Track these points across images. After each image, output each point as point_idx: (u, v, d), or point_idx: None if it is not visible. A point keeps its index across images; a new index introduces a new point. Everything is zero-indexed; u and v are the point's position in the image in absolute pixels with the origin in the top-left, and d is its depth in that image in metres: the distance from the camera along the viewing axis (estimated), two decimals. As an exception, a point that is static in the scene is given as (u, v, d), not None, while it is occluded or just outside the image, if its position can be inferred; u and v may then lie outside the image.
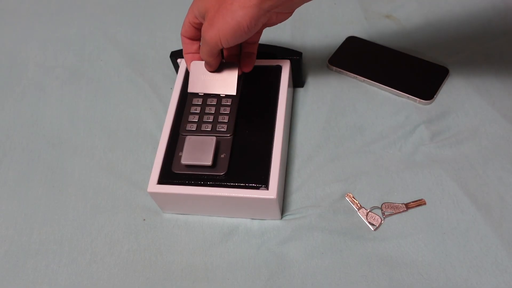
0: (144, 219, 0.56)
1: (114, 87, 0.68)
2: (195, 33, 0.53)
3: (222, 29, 0.46)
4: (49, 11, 0.79)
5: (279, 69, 0.59)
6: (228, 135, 0.53)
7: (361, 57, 0.66)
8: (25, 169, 0.61)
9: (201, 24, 0.51)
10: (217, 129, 0.54)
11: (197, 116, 0.55)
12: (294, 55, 0.60)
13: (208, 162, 0.50)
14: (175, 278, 0.51)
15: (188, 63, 0.56)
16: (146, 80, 0.69)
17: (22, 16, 0.78)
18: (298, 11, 0.74)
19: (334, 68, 0.66)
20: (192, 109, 0.56)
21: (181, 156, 0.51)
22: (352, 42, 0.69)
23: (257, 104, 0.56)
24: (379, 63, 0.66)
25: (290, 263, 0.51)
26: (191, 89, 0.56)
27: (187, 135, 0.53)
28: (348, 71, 0.65)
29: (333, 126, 0.61)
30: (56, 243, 0.54)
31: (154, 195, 0.52)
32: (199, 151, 0.51)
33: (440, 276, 0.49)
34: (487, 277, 0.48)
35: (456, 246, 0.50)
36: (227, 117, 0.54)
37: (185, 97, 0.57)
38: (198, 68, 0.56)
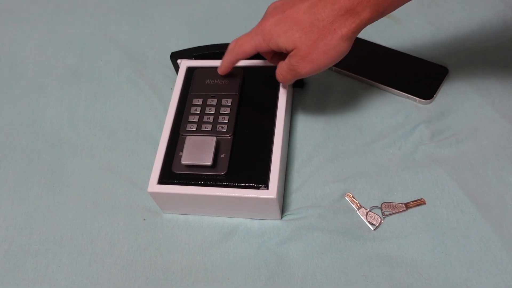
0: (144, 219, 0.56)
1: (114, 87, 0.68)
2: (253, 53, 0.52)
3: (323, 63, 0.48)
4: (49, 11, 0.79)
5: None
6: (228, 135, 0.53)
7: (360, 57, 0.66)
8: (25, 169, 0.61)
9: (271, 51, 0.51)
10: (217, 129, 0.54)
11: (197, 117, 0.55)
12: None
13: (208, 162, 0.50)
14: (175, 278, 0.51)
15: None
16: (146, 80, 0.69)
17: (22, 16, 0.78)
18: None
19: (334, 68, 0.66)
20: (193, 109, 0.56)
21: (181, 156, 0.52)
22: None
23: (257, 104, 0.56)
24: (378, 63, 0.66)
25: (290, 263, 0.51)
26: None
27: (187, 135, 0.53)
28: (348, 71, 0.65)
29: (332, 126, 0.61)
30: (56, 243, 0.54)
31: (154, 195, 0.52)
32: (199, 151, 0.51)
33: (440, 276, 0.49)
34: (487, 277, 0.48)
35: (456, 246, 0.50)
36: (227, 117, 0.54)
37: (185, 97, 0.57)
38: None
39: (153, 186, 0.51)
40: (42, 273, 0.52)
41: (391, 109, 0.62)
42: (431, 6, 0.72)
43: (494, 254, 0.49)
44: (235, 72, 0.57)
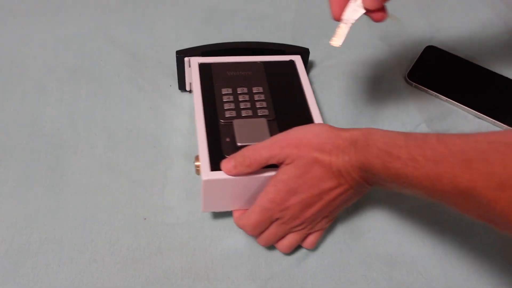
0: (145, 218, 0.56)
1: (114, 87, 0.68)
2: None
3: None
4: (49, 11, 0.79)
5: (293, 63, 0.60)
6: (271, 118, 0.53)
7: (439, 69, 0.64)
8: (25, 169, 0.61)
9: None
10: (259, 114, 0.53)
11: (232, 104, 0.54)
12: (301, 51, 0.62)
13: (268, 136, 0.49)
14: (175, 277, 0.51)
15: (340, 9, 0.47)
16: (146, 80, 0.69)
17: (22, 16, 0.78)
18: (298, 11, 0.74)
19: (414, 83, 0.63)
20: (225, 98, 0.55)
21: (228, 141, 0.50)
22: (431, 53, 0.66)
23: (285, 90, 0.56)
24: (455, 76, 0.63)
25: (290, 262, 0.51)
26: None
27: (232, 120, 0.52)
28: (426, 87, 0.63)
29: (332, 125, 0.61)
30: (56, 243, 0.54)
31: (209, 183, 0.47)
32: (253, 132, 0.50)
33: (440, 276, 0.49)
34: (487, 277, 0.48)
35: (456, 245, 0.50)
36: (265, 102, 0.54)
37: (209, 89, 0.56)
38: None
39: (208, 173, 0.47)
40: (42, 273, 0.52)
41: (392, 107, 0.62)
42: (431, 6, 0.72)
43: (494, 254, 0.49)
44: (255, 66, 0.58)
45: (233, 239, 0.53)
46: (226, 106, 0.54)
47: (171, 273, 0.51)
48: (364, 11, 0.45)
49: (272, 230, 0.48)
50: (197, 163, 0.49)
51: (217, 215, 0.55)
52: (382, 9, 0.45)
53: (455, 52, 0.65)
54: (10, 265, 0.53)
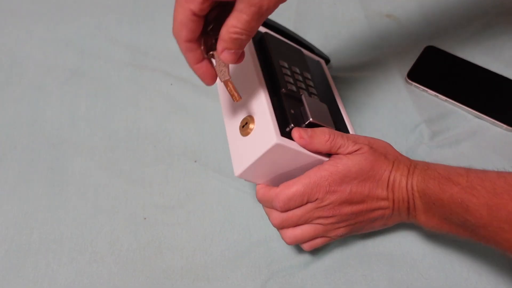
0: (145, 218, 0.56)
1: (114, 87, 0.68)
2: (198, 25, 0.40)
3: None
4: (49, 11, 0.79)
5: (320, 64, 0.59)
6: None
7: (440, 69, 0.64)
8: (25, 169, 0.61)
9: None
10: (311, 96, 0.50)
11: (291, 78, 0.50)
12: (324, 57, 0.61)
13: (332, 126, 0.47)
14: (175, 276, 0.51)
15: (213, 78, 0.44)
16: (146, 79, 0.69)
17: (22, 16, 0.78)
18: (298, 11, 0.74)
19: (414, 83, 0.63)
20: (284, 70, 0.50)
21: (293, 113, 0.46)
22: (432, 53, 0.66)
23: (320, 88, 0.53)
24: (456, 76, 0.63)
25: (290, 262, 0.51)
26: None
27: (294, 93, 0.48)
28: (425, 86, 0.63)
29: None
30: (56, 243, 0.54)
31: (277, 148, 0.43)
32: (321, 113, 0.47)
33: (440, 276, 0.49)
34: (487, 277, 0.48)
35: (456, 245, 0.50)
36: (314, 89, 0.51)
37: (263, 59, 0.51)
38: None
39: (279, 137, 0.43)
40: (42, 273, 0.52)
41: (391, 107, 0.62)
42: (431, 6, 0.72)
43: (494, 254, 0.49)
44: (298, 52, 0.55)
45: (233, 239, 0.53)
46: (286, 79, 0.49)
47: (171, 273, 0.51)
48: (229, 64, 0.42)
49: (299, 212, 0.46)
50: (251, 126, 0.46)
51: (217, 214, 0.55)
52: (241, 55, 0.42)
53: (455, 52, 0.65)
54: (10, 265, 0.53)
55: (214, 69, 0.43)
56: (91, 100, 0.67)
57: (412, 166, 0.45)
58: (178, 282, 0.51)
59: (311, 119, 0.45)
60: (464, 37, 0.68)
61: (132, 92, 0.68)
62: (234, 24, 0.38)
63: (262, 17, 0.39)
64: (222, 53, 0.40)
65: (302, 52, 0.56)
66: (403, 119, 0.60)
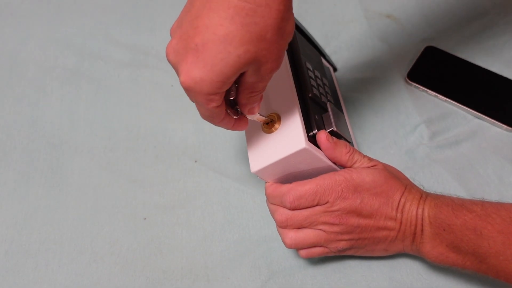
0: (145, 218, 0.56)
1: (114, 87, 0.68)
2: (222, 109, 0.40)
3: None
4: (49, 11, 0.79)
5: (329, 69, 0.59)
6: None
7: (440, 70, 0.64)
8: (25, 169, 0.61)
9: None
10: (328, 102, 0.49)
11: (314, 82, 0.49)
12: (332, 65, 0.62)
13: (350, 139, 0.48)
14: (175, 277, 0.51)
15: (245, 125, 0.44)
16: (146, 79, 0.69)
17: (22, 16, 0.78)
18: (298, 12, 0.74)
19: (413, 84, 0.63)
20: (309, 73, 0.49)
21: (317, 119, 0.45)
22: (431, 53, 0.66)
23: (329, 92, 0.53)
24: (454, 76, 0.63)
25: (290, 262, 0.51)
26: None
27: (319, 100, 0.47)
28: (425, 87, 0.63)
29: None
30: (56, 243, 0.54)
31: (303, 153, 0.43)
32: (342, 123, 0.47)
33: (440, 276, 0.49)
34: (487, 277, 0.48)
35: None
36: (330, 96, 0.51)
37: (292, 58, 0.50)
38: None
39: (307, 143, 0.43)
40: (42, 273, 0.52)
41: (391, 108, 0.62)
42: (431, 6, 0.72)
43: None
44: (316, 53, 0.55)
45: (233, 239, 0.53)
46: (311, 82, 0.48)
47: (171, 273, 0.51)
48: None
49: (306, 212, 0.45)
50: (277, 125, 0.45)
51: (217, 214, 0.55)
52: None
53: (455, 52, 0.65)
54: (10, 265, 0.53)
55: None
56: (91, 100, 0.67)
57: (424, 193, 0.46)
58: (178, 282, 0.51)
59: (334, 128, 0.45)
60: (464, 37, 0.68)
61: (132, 92, 0.68)
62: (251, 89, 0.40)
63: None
64: (249, 113, 0.42)
65: (320, 56, 0.56)
66: (403, 119, 0.60)
